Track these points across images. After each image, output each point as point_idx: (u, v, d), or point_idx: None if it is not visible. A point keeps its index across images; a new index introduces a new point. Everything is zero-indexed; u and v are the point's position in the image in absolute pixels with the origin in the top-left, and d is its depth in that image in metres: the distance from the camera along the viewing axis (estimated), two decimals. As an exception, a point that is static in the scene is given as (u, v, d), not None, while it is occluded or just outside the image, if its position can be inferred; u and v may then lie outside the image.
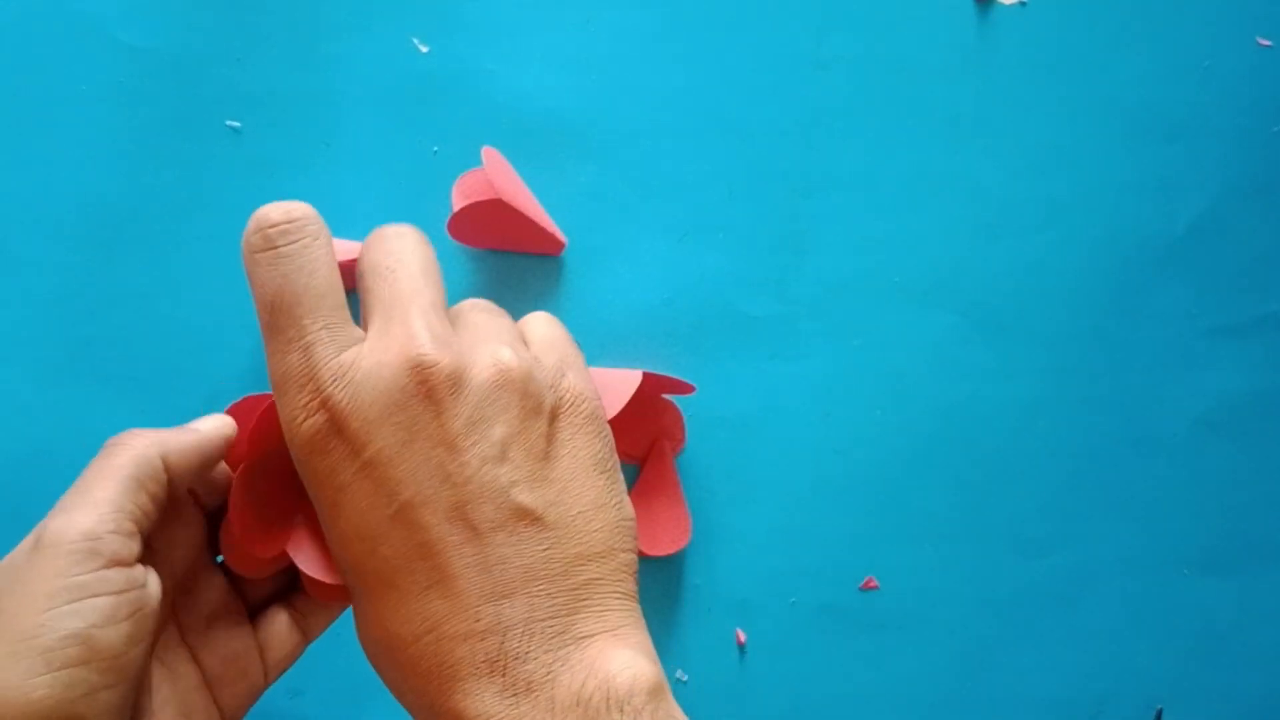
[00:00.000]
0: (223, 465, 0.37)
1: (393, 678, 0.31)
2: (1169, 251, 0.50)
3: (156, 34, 0.49)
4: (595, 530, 0.31)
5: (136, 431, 0.33)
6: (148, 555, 0.34)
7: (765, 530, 0.49)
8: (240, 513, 0.35)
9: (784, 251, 0.50)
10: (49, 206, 0.48)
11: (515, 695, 0.29)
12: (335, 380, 0.31)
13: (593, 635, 0.30)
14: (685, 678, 0.48)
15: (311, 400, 0.31)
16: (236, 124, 0.49)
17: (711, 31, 0.50)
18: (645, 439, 0.48)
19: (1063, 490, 0.50)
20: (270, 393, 0.35)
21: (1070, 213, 0.50)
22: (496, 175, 0.47)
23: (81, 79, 0.48)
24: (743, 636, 0.48)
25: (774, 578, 0.49)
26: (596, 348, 0.49)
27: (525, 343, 0.35)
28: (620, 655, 0.29)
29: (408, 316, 0.32)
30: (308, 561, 0.35)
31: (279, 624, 0.37)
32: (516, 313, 0.37)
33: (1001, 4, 0.51)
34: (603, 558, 0.31)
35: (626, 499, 0.33)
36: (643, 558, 0.48)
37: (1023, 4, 0.51)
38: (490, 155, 0.48)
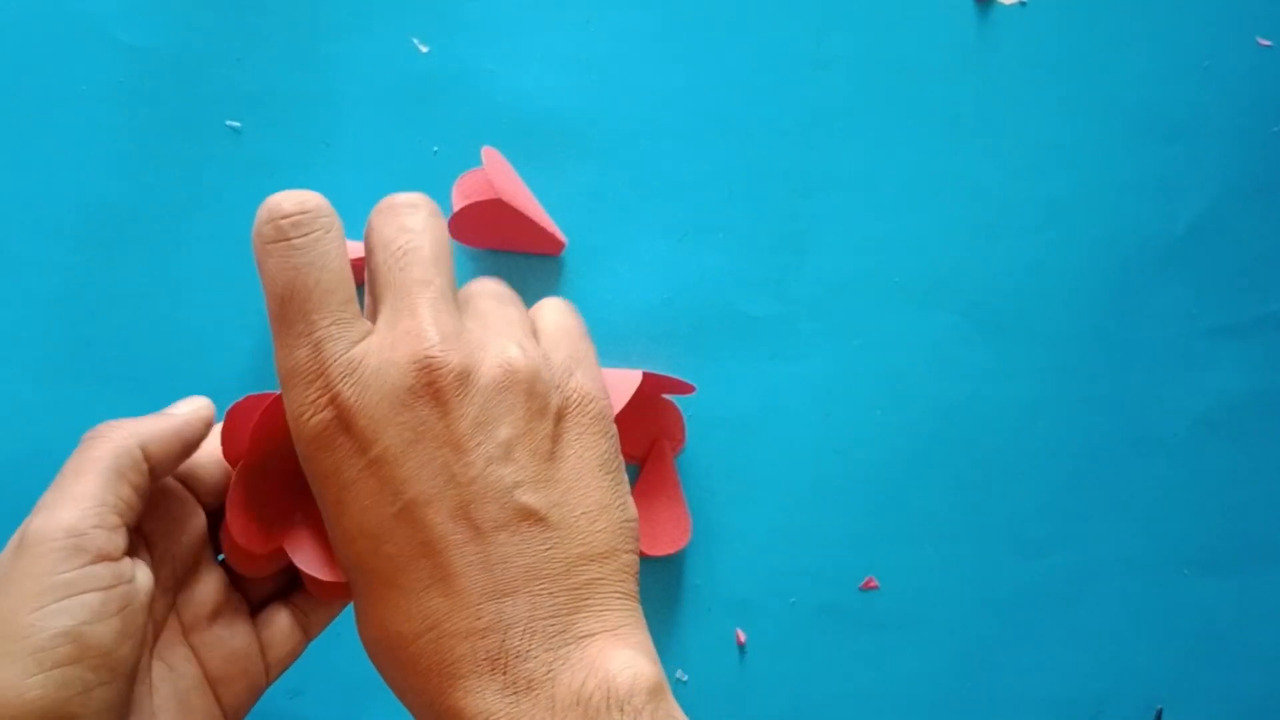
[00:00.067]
0: (224, 464, 0.37)
1: (393, 676, 0.31)
2: (1169, 251, 0.50)
3: (156, 34, 0.49)
4: (598, 531, 0.31)
5: (113, 423, 0.33)
6: (146, 552, 0.34)
7: (765, 530, 0.49)
8: (237, 510, 0.35)
9: (784, 251, 0.50)
10: (49, 206, 0.48)
11: (516, 693, 0.29)
12: (344, 377, 0.31)
13: (593, 635, 0.30)
14: (685, 678, 0.48)
15: (320, 396, 0.31)
16: (236, 124, 0.49)
17: (711, 31, 0.50)
18: (645, 439, 0.48)
19: (1063, 490, 0.50)
20: (270, 393, 0.35)
21: (1070, 213, 0.50)
22: (496, 175, 0.47)
23: (81, 79, 0.48)
24: (743, 636, 0.48)
25: (774, 578, 0.49)
26: (597, 348, 0.49)
27: (537, 332, 0.35)
28: (620, 655, 0.29)
29: (416, 310, 0.31)
30: (307, 560, 0.35)
31: (280, 622, 0.37)
32: (517, 313, 0.37)
33: (1001, 4, 0.51)
34: (605, 558, 0.31)
35: (630, 500, 0.33)
36: (643, 558, 0.48)
37: (1023, 4, 0.51)
38: (490, 155, 0.48)
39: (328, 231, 0.32)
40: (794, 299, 0.50)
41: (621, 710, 0.28)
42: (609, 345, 0.49)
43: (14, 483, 0.47)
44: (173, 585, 0.35)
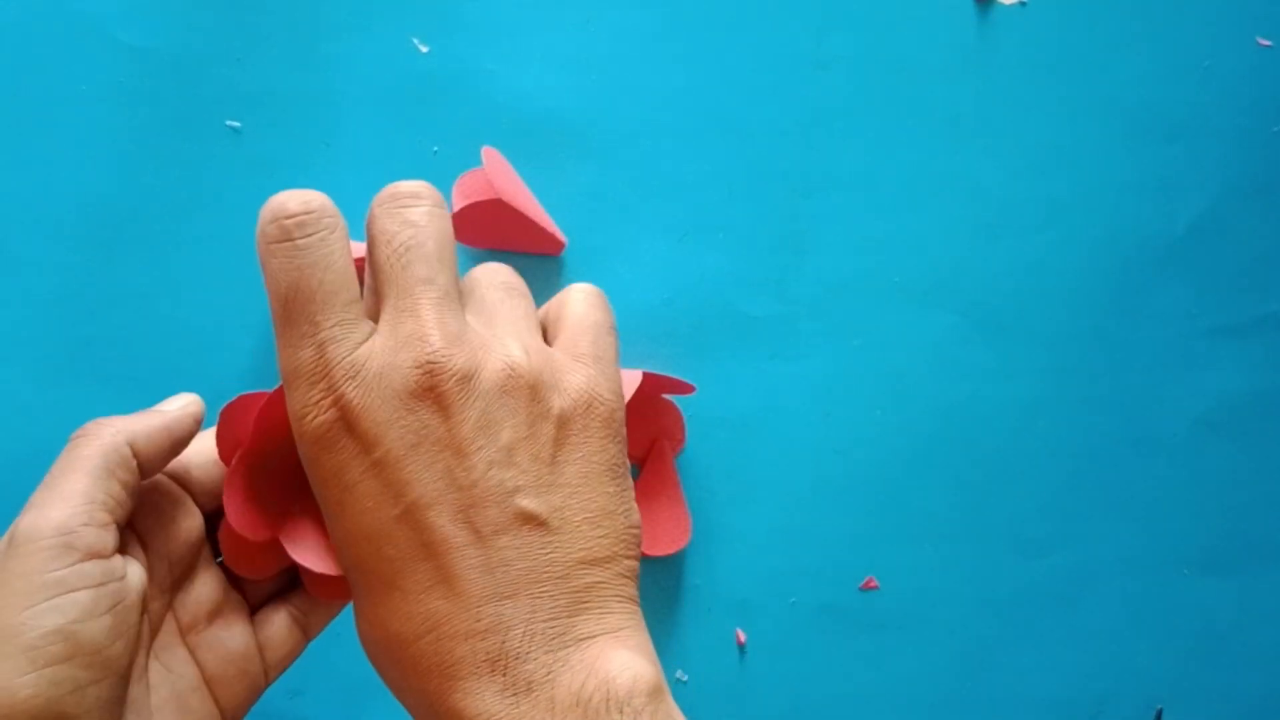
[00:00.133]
0: (219, 465, 0.36)
1: (393, 677, 0.31)
2: (1169, 251, 0.50)
3: (156, 34, 0.49)
4: (600, 537, 0.31)
5: (102, 421, 0.33)
6: (140, 551, 0.34)
7: (765, 530, 0.49)
8: (236, 494, 0.34)
9: (784, 251, 0.50)
10: (49, 206, 0.48)
11: (515, 695, 0.29)
12: (348, 379, 0.31)
13: (593, 637, 0.30)
14: (685, 678, 0.48)
15: (324, 398, 0.31)
16: (236, 124, 0.49)
17: (711, 31, 0.50)
18: (645, 439, 0.48)
19: (1063, 490, 0.50)
20: (263, 391, 0.35)
21: (1070, 213, 0.50)
22: (496, 175, 0.47)
23: (81, 79, 0.48)
24: (743, 636, 0.48)
25: (774, 578, 0.49)
26: (596, 348, 0.49)
27: (559, 322, 0.34)
28: (620, 656, 0.29)
29: (418, 311, 0.31)
30: (304, 553, 0.35)
31: (279, 623, 0.37)
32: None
33: (1001, 4, 0.51)
34: (606, 563, 0.31)
35: (634, 505, 0.33)
36: (643, 558, 0.48)
37: (1023, 4, 0.51)
38: (490, 155, 0.48)
39: (332, 231, 0.32)
40: (794, 299, 0.50)
41: (621, 711, 0.28)
42: (609, 345, 0.49)
43: (14, 483, 0.47)
44: (170, 585, 0.35)
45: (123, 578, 0.32)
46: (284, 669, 0.37)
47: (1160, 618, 0.50)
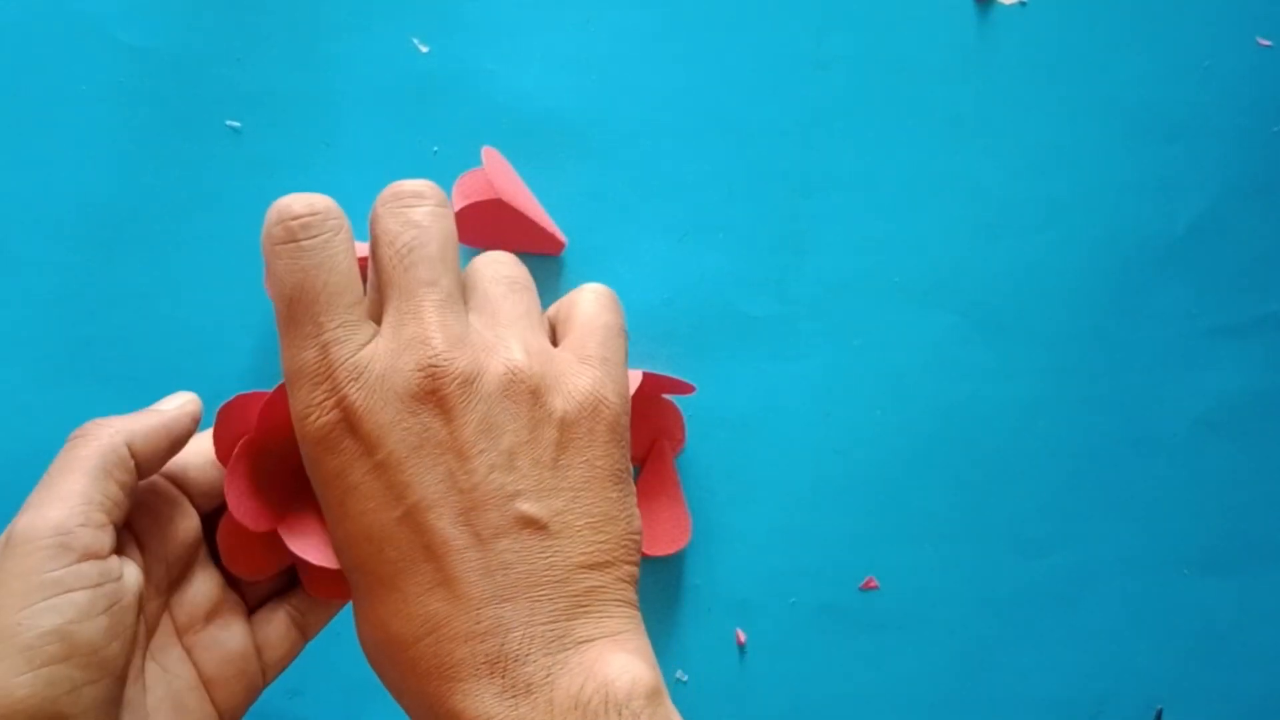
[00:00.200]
0: (216, 466, 0.36)
1: (392, 678, 0.31)
2: (1169, 251, 0.50)
3: (156, 34, 0.49)
4: (600, 542, 0.31)
5: (100, 421, 0.33)
6: (138, 552, 0.34)
7: (765, 530, 0.49)
8: (236, 485, 0.34)
9: (784, 251, 0.50)
10: (49, 206, 0.48)
11: (514, 697, 0.29)
12: (351, 380, 0.31)
13: (592, 640, 0.30)
14: (685, 678, 0.48)
15: (327, 399, 0.31)
16: (236, 124, 0.49)
17: (711, 31, 0.50)
18: (645, 439, 0.48)
19: (1063, 490, 0.50)
20: (261, 391, 0.35)
21: (1070, 213, 0.50)
22: (496, 175, 0.47)
23: (81, 79, 0.48)
24: (743, 636, 0.48)
25: (774, 578, 0.49)
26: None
27: (567, 322, 0.34)
28: (618, 659, 0.29)
29: (421, 313, 0.31)
30: (304, 547, 0.35)
31: (277, 623, 0.37)
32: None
33: (1001, 4, 0.51)
34: (606, 568, 0.31)
35: (636, 511, 0.33)
36: (643, 558, 0.48)
37: (1023, 4, 0.51)
38: (490, 155, 0.48)
39: (336, 234, 0.32)
40: (794, 299, 0.50)
41: (619, 714, 0.28)
42: (609, 345, 0.49)
43: (14, 483, 0.47)
44: (167, 586, 0.35)
45: (119, 578, 0.32)
46: (282, 669, 0.37)
47: (1160, 618, 0.50)
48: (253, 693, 0.36)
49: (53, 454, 0.33)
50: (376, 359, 0.31)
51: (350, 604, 0.35)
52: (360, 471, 0.30)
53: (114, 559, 0.32)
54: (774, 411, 0.49)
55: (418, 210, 0.32)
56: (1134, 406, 0.50)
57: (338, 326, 0.31)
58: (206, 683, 0.35)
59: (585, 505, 0.31)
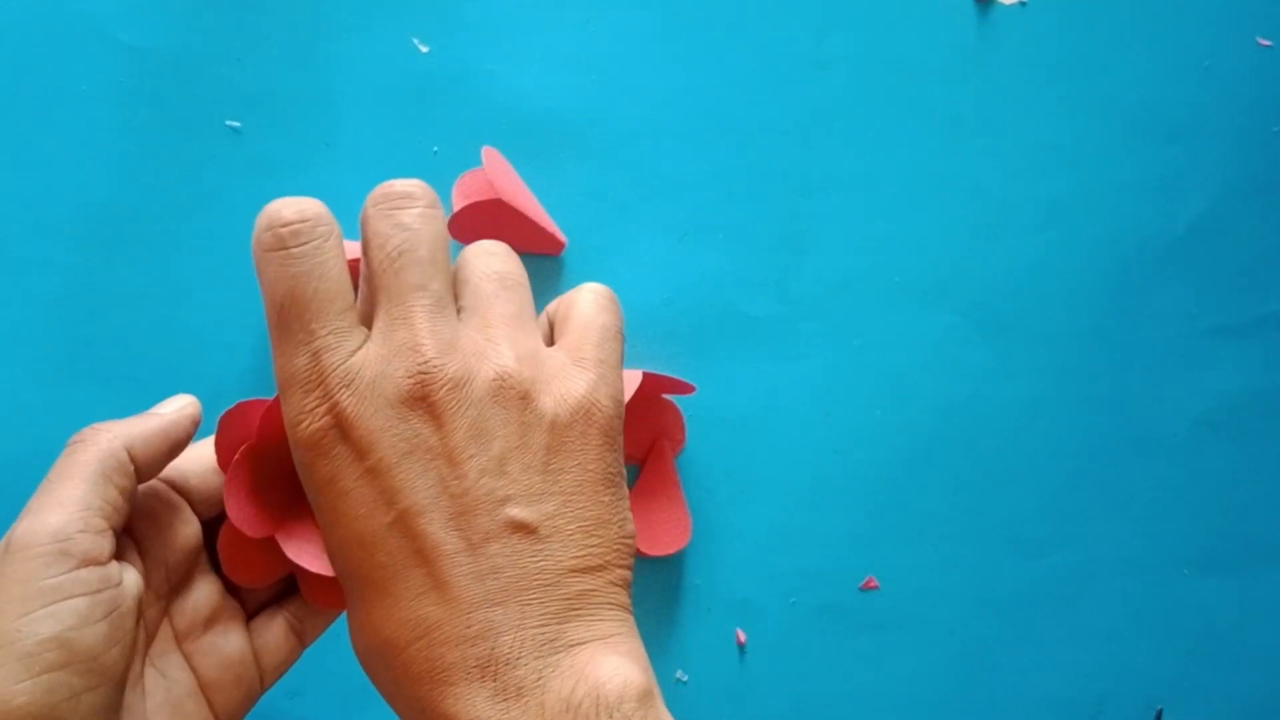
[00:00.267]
0: (217, 473, 0.36)
1: (385, 682, 0.31)
2: (1169, 251, 0.50)
3: (156, 34, 0.49)
4: (592, 546, 0.31)
5: (99, 426, 0.33)
6: (137, 557, 0.34)
7: (765, 530, 0.49)
8: (236, 492, 0.34)
9: (784, 251, 0.50)
10: (49, 206, 0.48)
11: (506, 700, 0.29)
12: (342, 386, 0.31)
13: (584, 643, 0.30)
14: (685, 678, 0.48)
15: (318, 405, 0.31)
16: (236, 124, 0.49)
17: (711, 31, 0.50)
18: (645, 439, 0.48)
19: (1063, 490, 0.50)
20: (262, 399, 0.35)
21: (1070, 213, 0.50)
22: (496, 175, 0.47)
23: (81, 79, 0.48)
24: (743, 636, 0.48)
25: (774, 578, 0.49)
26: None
27: (564, 323, 0.34)
28: (610, 662, 0.29)
29: (411, 318, 0.31)
30: (302, 555, 0.35)
31: (275, 630, 0.37)
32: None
33: (1001, 4, 0.51)
34: (598, 571, 0.31)
35: (629, 514, 0.32)
36: (643, 558, 0.48)
37: (1023, 4, 0.51)
38: (490, 155, 0.48)
39: (326, 240, 0.32)
40: (794, 299, 0.50)
41: (610, 716, 0.28)
42: (609, 345, 0.49)
43: (14, 483, 0.47)
44: (166, 592, 0.35)
45: (119, 584, 0.32)
46: (280, 675, 0.37)
47: (1160, 618, 0.50)
48: (251, 698, 0.36)
49: (53, 455, 0.33)
50: (367, 365, 0.31)
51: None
52: (352, 477, 0.30)
53: (113, 565, 0.32)
54: (774, 411, 0.49)
55: (408, 213, 0.32)
56: (1134, 406, 0.50)
57: (329, 333, 0.31)
58: (205, 688, 0.35)
59: (577, 509, 0.31)
